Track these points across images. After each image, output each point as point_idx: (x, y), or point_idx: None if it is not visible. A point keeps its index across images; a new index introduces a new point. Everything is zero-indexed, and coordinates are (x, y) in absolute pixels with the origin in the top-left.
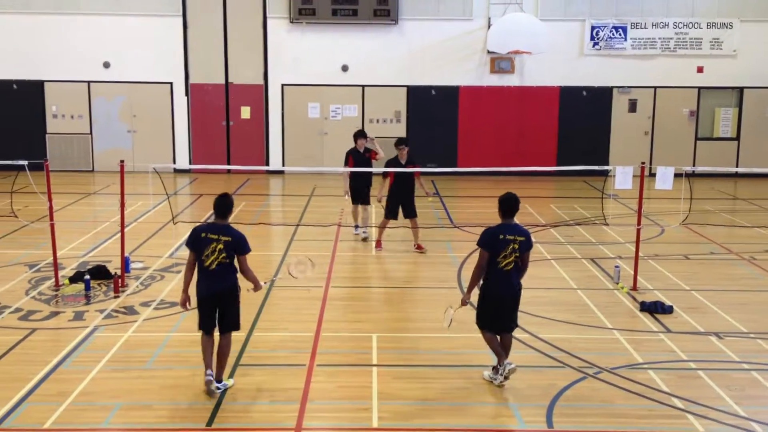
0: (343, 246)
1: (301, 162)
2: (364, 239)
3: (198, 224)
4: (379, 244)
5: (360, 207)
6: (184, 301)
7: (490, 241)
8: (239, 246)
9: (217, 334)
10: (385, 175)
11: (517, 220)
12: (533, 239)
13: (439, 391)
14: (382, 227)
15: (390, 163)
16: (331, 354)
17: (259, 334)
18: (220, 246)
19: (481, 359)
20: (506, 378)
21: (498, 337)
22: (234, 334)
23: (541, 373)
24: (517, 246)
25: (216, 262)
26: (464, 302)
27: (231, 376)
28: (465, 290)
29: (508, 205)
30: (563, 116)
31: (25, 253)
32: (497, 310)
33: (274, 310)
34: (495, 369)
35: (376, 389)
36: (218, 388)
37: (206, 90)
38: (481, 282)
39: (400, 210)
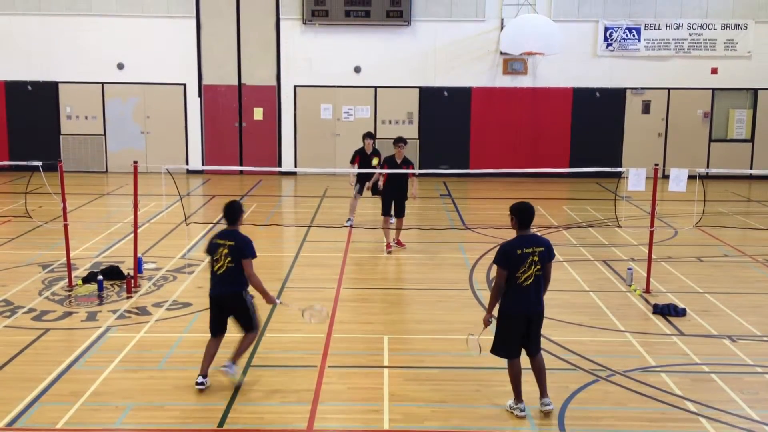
0: (355, 247)
1: (313, 163)
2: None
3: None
4: (389, 246)
5: (360, 198)
6: None
7: (508, 258)
8: (241, 250)
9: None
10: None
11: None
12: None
13: (451, 393)
14: (385, 228)
15: (386, 161)
16: (342, 355)
17: (271, 335)
18: (225, 251)
19: (493, 361)
20: (544, 414)
21: (528, 368)
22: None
23: (553, 376)
24: (536, 258)
25: (223, 267)
26: (486, 322)
27: (244, 373)
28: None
29: (524, 215)
30: (576, 118)
31: (38, 253)
32: (518, 330)
33: (285, 312)
34: (515, 400)
35: (388, 391)
36: (226, 367)
37: (219, 91)
38: (501, 301)
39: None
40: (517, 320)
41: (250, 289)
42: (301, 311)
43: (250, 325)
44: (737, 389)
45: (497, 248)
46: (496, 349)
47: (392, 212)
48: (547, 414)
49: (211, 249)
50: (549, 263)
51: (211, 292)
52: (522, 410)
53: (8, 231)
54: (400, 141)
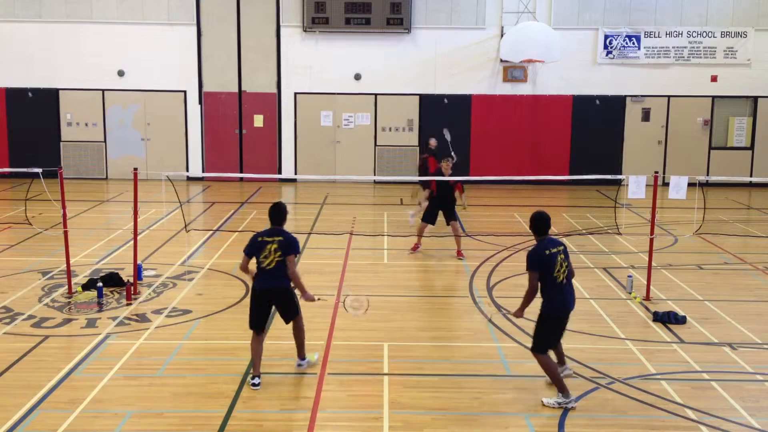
0: (355, 255)
1: (313, 170)
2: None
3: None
4: (416, 247)
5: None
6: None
7: (539, 261)
8: (289, 245)
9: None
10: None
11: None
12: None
13: (451, 401)
14: (420, 232)
15: (436, 174)
16: (342, 363)
17: (271, 342)
18: (275, 246)
19: (493, 369)
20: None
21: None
22: (244, 342)
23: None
24: (562, 256)
25: (273, 262)
26: (518, 315)
27: (242, 381)
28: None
29: (538, 224)
30: (576, 125)
31: (38, 260)
32: (561, 330)
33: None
34: (561, 394)
35: (388, 398)
36: (300, 365)
37: (219, 98)
38: (543, 304)
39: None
40: (561, 321)
41: None
42: (342, 303)
43: (294, 312)
44: (738, 397)
45: (527, 255)
46: (538, 348)
47: (436, 220)
48: (567, 376)
49: (258, 247)
50: (569, 259)
51: (257, 285)
52: (575, 400)
53: (8, 238)
54: (448, 157)
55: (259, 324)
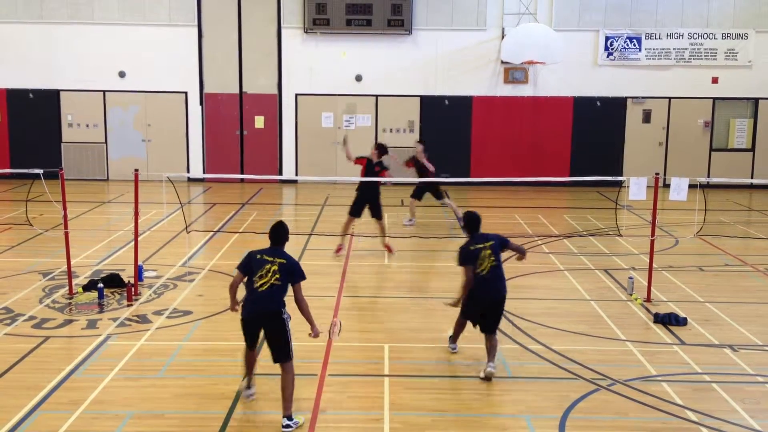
0: (355, 256)
1: (314, 171)
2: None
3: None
4: (341, 248)
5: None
6: (234, 306)
7: (466, 257)
8: (294, 270)
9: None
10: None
11: (530, 230)
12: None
13: (452, 402)
14: (345, 227)
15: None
16: (342, 364)
17: None
18: (275, 267)
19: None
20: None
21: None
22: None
23: (554, 385)
24: (489, 251)
25: (267, 284)
26: (454, 305)
27: (249, 386)
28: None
29: (475, 222)
30: (577, 126)
31: (39, 261)
32: (484, 310)
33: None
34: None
35: (388, 399)
36: (288, 426)
37: (220, 99)
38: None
39: (367, 211)
40: (481, 307)
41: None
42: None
43: (286, 350)
44: (738, 399)
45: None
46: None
47: (362, 214)
48: (487, 377)
49: (255, 265)
50: (507, 249)
51: (245, 312)
52: (454, 348)
53: (9, 239)
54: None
55: (252, 343)
